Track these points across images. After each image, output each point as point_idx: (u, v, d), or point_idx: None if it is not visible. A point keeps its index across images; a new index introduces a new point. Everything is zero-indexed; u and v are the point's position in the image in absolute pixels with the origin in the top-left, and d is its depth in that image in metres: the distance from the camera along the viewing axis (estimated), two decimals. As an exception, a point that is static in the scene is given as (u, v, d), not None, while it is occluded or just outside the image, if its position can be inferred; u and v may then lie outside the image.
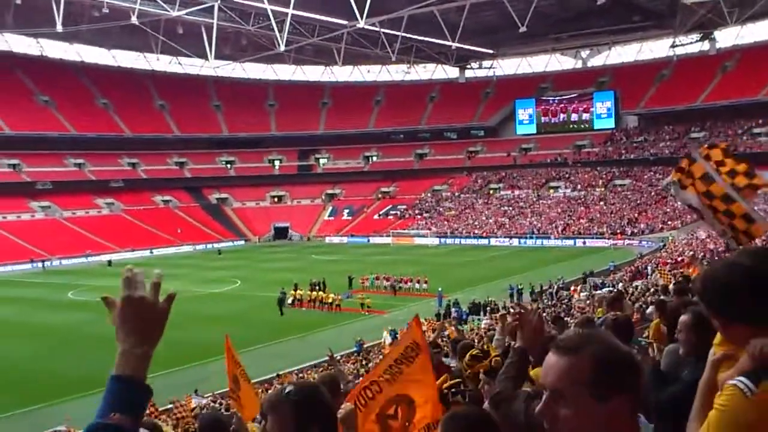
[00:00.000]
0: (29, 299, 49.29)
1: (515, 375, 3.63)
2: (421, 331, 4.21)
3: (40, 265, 70.18)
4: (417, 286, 47.11)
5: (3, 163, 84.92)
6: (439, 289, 42.64)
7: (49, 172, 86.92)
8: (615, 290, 28.37)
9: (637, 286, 30.54)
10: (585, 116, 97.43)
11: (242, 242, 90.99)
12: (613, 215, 77.59)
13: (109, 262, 70.38)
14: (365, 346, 31.14)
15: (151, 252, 79.24)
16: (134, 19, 73.78)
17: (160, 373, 28.26)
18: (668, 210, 73.85)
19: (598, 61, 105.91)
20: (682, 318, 4.00)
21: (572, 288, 41.90)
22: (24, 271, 67.80)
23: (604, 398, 1.63)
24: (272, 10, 72.51)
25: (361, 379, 6.90)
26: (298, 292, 44.04)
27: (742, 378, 1.90)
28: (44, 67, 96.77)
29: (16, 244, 74.01)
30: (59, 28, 70.57)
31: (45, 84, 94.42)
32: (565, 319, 18.21)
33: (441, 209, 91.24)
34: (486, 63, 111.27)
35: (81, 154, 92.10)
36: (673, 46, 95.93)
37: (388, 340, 30.03)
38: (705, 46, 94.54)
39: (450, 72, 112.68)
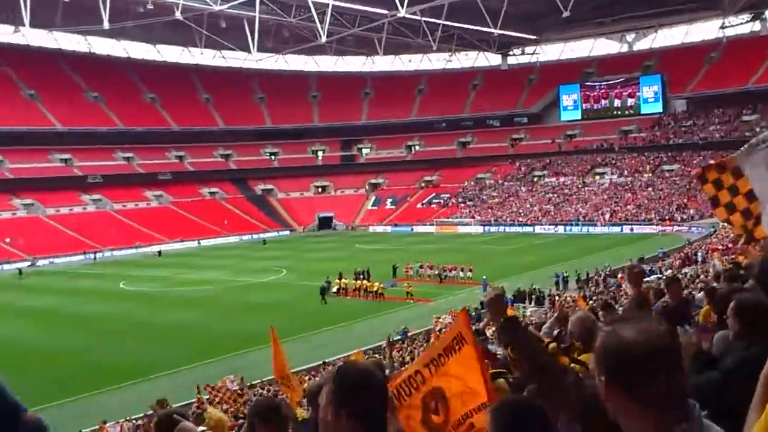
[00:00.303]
0: (83, 290, 50.56)
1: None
2: (467, 323, 4.16)
3: (92, 256, 71.85)
4: (462, 274, 47.09)
5: (55, 158, 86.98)
6: (484, 277, 42.57)
7: (100, 165, 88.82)
8: (665, 277, 28.07)
9: (686, 273, 30.15)
10: (631, 101, 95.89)
11: (287, 232, 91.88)
12: (661, 201, 76.47)
13: (159, 253, 71.85)
14: (410, 334, 31.31)
15: (199, 243, 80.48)
16: (178, 15, 74.76)
17: (209, 361, 28.98)
18: (717, 195, 72.27)
19: (644, 44, 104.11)
20: (731, 305, 4.05)
21: (620, 275, 41.38)
22: (77, 262, 69.56)
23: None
24: (313, 2, 72.81)
25: (404, 367, 6.92)
26: (343, 281, 44.38)
27: None
28: (92, 64, 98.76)
29: (69, 237, 75.87)
30: (106, 25, 71.79)
31: (94, 80, 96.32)
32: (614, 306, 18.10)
33: (485, 197, 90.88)
34: (528, 49, 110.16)
35: (129, 147, 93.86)
36: (722, 27, 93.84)
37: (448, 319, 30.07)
38: (756, 26, 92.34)
39: (492, 59, 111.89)
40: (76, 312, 41.52)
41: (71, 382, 26.89)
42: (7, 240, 71.41)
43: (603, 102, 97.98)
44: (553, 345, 4.72)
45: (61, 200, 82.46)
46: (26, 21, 68.64)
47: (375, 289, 42.31)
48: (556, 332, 7.09)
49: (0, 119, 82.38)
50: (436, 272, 47.65)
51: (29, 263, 67.25)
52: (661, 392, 1.77)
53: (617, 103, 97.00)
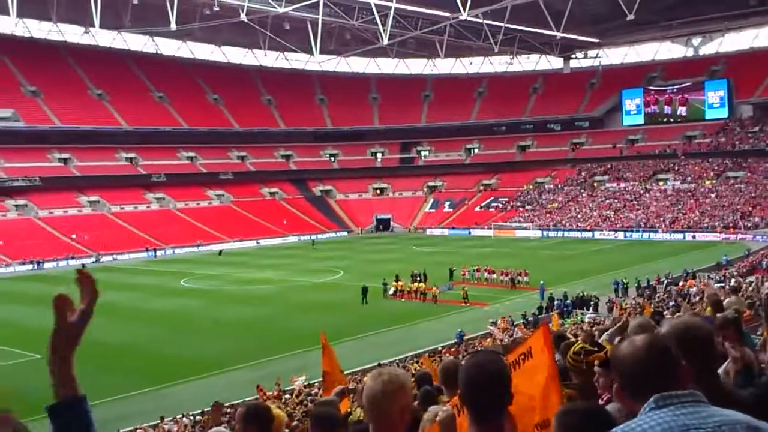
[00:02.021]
0: (145, 286, 51.90)
1: None
2: (545, 339, 3.94)
3: (153, 253, 73.61)
4: (519, 278, 46.87)
5: (121, 157, 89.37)
6: (541, 282, 42.30)
7: (163, 165, 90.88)
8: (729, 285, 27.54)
9: (751, 282, 29.52)
10: (696, 106, 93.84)
11: (345, 233, 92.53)
12: (725, 208, 74.70)
13: (220, 252, 73.14)
14: (466, 337, 31.36)
15: (258, 242, 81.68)
16: (243, 16, 76.14)
17: (270, 359, 29.49)
18: (785, 203, 70.60)
19: (710, 48, 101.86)
20: None
21: (681, 283, 40.67)
22: (140, 259, 71.28)
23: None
24: (376, 5, 73.36)
25: None
26: (399, 283, 44.59)
27: None
28: (159, 64, 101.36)
29: (133, 234, 77.89)
30: (173, 26, 73.51)
31: (160, 80, 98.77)
32: (665, 314, 17.89)
33: (543, 202, 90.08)
34: (591, 52, 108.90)
35: (193, 147, 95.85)
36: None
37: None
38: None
39: (554, 62, 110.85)
40: (138, 307, 42.74)
41: (133, 377, 27.67)
42: (73, 236, 73.67)
43: (667, 107, 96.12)
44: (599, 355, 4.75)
45: (125, 198, 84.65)
46: (96, 22, 70.70)
47: (431, 291, 42.41)
48: (617, 340, 7.18)
49: (69, 118, 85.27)
50: (509, 277, 47.16)
51: (93, 259, 69.24)
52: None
53: (681, 108, 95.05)
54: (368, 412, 2.87)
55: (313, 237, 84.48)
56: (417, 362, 26.73)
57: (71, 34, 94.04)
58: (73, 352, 2.07)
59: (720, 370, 4.39)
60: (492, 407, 2.65)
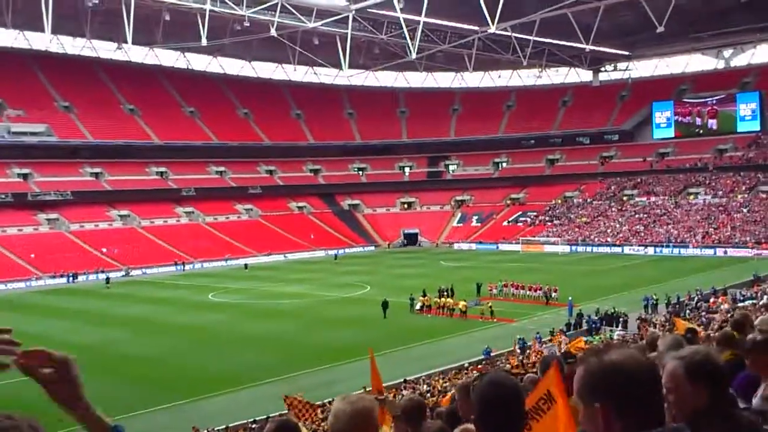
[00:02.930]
0: (173, 300, 52.34)
1: None
2: (559, 378, 3.81)
3: (181, 267, 74.17)
4: (542, 294, 46.45)
5: (152, 171, 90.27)
6: (570, 298, 41.90)
7: (193, 179, 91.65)
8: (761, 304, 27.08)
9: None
10: (727, 119, 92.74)
11: (372, 248, 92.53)
12: (756, 223, 73.57)
13: (246, 266, 73.48)
14: (493, 354, 31.15)
15: (285, 257, 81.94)
16: (273, 32, 76.85)
17: (297, 373, 29.47)
18: (820, 218, 69.41)
19: (741, 60, 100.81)
20: None
21: (711, 300, 40.09)
22: (168, 273, 71.87)
23: (588, 405, 1.94)
24: (405, 19, 73.53)
25: None
26: (426, 298, 44.44)
27: None
28: (190, 79, 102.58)
29: (162, 248, 78.54)
30: (204, 42, 74.35)
31: (190, 95, 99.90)
32: (699, 330, 17.60)
33: (572, 216, 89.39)
34: (621, 65, 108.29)
35: (222, 162, 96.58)
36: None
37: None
38: None
39: (583, 75, 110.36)
40: (165, 321, 43.05)
41: (160, 391, 27.82)
42: (104, 250, 74.49)
43: (698, 120, 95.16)
44: None
45: (155, 212, 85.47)
46: (129, 38, 71.70)
47: (459, 307, 42.18)
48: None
49: (101, 132, 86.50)
50: (542, 293, 46.59)
51: (123, 273, 69.93)
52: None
53: (712, 121, 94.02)
54: None
55: (335, 252, 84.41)
56: (444, 378, 26.63)
57: (104, 50, 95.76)
58: (79, 396, 1.99)
59: (758, 394, 4.24)
60: (507, 427, 2.62)
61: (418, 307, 43.76)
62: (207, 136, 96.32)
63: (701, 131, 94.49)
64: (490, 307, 41.76)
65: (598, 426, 1.91)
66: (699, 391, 2.39)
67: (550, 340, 32.86)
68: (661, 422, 1.96)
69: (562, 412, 3.68)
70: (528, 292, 47.61)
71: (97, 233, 78.35)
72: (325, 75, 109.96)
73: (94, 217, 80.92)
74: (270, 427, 4.06)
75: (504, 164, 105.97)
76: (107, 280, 63.51)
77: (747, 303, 32.87)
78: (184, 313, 46.07)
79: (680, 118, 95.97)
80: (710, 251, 70.57)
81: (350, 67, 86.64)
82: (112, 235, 78.67)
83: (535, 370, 15.06)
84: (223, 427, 22.56)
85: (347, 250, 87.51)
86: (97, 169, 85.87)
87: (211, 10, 70.53)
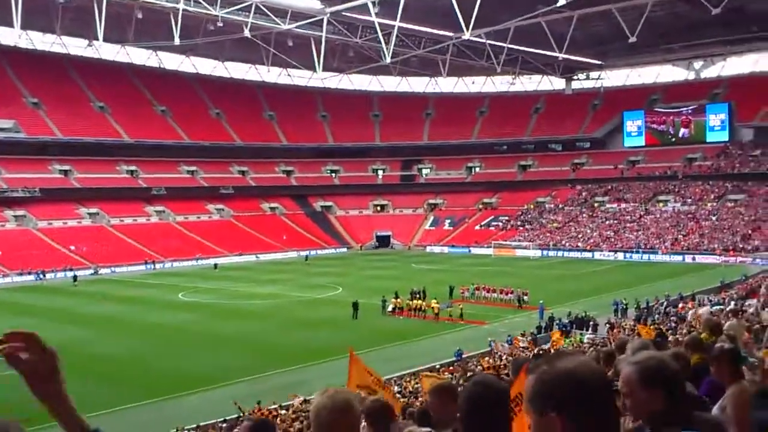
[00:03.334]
0: (143, 299, 51.78)
1: None
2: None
3: (152, 266, 73.47)
4: (514, 297, 46.68)
5: (122, 169, 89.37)
6: (541, 301, 42.18)
7: (164, 178, 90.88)
8: (724, 309, 27.47)
9: (750, 305, 29.41)
10: (697, 129, 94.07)
11: (345, 249, 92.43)
12: (724, 231, 74.67)
13: (215, 266, 73.04)
14: (464, 356, 31.21)
15: (257, 257, 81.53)
16: (247, 32, 76.41)
17: (268, 373, 29.29)
18: (785, 227, 70.66)
19: (711, 72, 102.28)
20: None
21: (680, 305, 40.58)
22: (138, 272, 71.11)
23: (540, 414, 1.84)
24: (380, 23, 73.57)
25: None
26: (399, 300, 44.45)
27: None
28: (161, 78, 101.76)
29: (132, 246, 77.80)
30: (177, 41, 73.75)
31: (162, 94, 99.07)
32: (668, 336, 17.81)
33: (544, 221, 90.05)
34: (593, 74, 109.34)
35: (194, 161, 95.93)
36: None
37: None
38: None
39: (556, 83, 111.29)
40: (135, 320, 42.56)
41: (130, 390, 27.47)
42: (72, 248, 73.58)
43: (668, 129, 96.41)
44: None
45: (125, 211, 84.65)
46: (100, 36, 70.95)
47: (431, 309, 42.24)
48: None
49: (70, 129, 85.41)
50: (515, 296, 46.75)
51: (91, 271, 69.14)
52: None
53: (683, 130, 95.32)
54: (314, 429, 2.77)
55: (306, 253, 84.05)
56: (415, 380, 26.62)
57: (74, 47, 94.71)
58: (60, 392, 1.89)
59: (718, 404, 4.26)
60: (493, 428, 2.63)
61: (390, 308, 43.74)
62: (178, 136, 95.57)
63: (674, 139, 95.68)
64: (461, 309, 41.95)
65: None
66: (654, 396, 2.37)
67: (511, 343, 33.01)
68: (616, 430, 1.90)
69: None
70: (500, 296, 47.84)
71: (66, 231, 77.35)
72: (298, 77, 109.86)
73: (62, 214, 79.94)
74: (246, 425, 4.03)
75: (477, 169, 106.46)
76: (74, 278, 62.75)
77: (714, 309, 33.34)
78: (154, 312, 45.59)
79: (655, 126, 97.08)
80: (679, 258, 71.47)
81: (324, 69, 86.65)
82: (80, 233, 77.71)
83: (507, 371, 15.13)
84: (194, 426, 22.35)
85: (319, 252, 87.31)
86: (66, 167, 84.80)
87: (184, 10, 70.13)
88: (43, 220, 77.68)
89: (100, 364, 31.26)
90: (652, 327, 30.78)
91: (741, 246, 70.15)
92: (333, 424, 2.62)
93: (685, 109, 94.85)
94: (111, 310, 46.72)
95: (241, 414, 21.66)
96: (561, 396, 1.80)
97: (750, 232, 72.88)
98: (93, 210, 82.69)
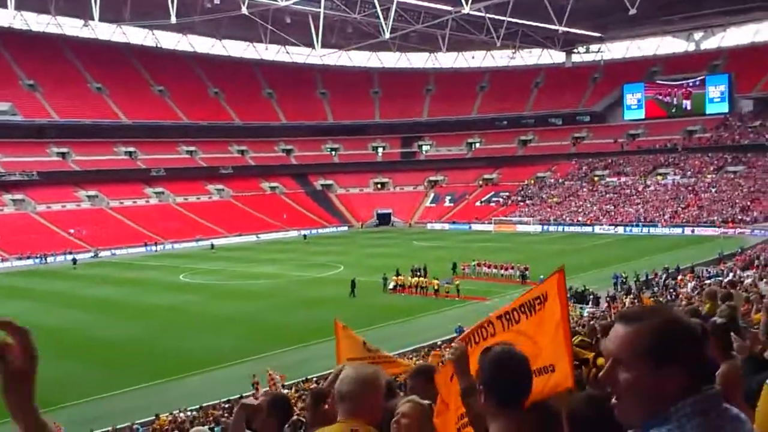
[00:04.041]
0: (144, 281, 51.74)
1: None
2: (560, 286, 4.00)
3: (153, 248, 73.42)
4: (517, 273, 46.65)
5: (120, 151, 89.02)
6: (541, 276, 42.00)
7: (163, 159, 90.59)
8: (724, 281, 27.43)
9: (749, 276, 29.42)
10: (697, 101, 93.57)
11: (345, 228, 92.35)
12: (724, 203, 74.53)
13: (212, 246, 73.05)
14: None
15: (258, 237, 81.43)
16: (244, 10, 75.87)
17: (270, 353, 29.31)
18: (786, 198, 70.60)
19: (711, 43, 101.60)
20: None
21: (679, 278, 40.58)
22: (138, 254, 71.04)
23: (658, 367, 1.73)
24: (378, -2, 72.97)
25: None
26: (400, 277, 44.44)
27: None
28: (159, 58, 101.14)
29: (132, 228, 77.66)
30: (173, 19, 73.22)
31: (159, 74, 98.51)
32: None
33: (544, 196, 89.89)
34: (593, 47, 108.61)
35: (193, 141, 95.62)
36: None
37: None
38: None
39: (556, 57, 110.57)
40: (136, 302, 42.56)
41: (131, 372, 27.46)
42: (71, 231, 73.49)
43: (668, 101, 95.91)
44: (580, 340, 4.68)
45: (124, 193, 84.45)
46: (96, 15, 70.44)
47: (432, 286, 42.25)
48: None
49: (67, 111, 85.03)
50: (518, 272, 46.65)
51: (92, 254, 69.11)
52: None
53: (683, 102, 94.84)
54: (346, 403, 2.91)
55: (305, 232, 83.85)
56: (417, 356, 26.62)
57: (70, 27, 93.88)
58: (32, 399, 1.72)
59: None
60: (514, 395, 2.67)
61: (391, 286, 43.77)
62: (177, 116, 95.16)
63: (671, 113, 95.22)
64: (457, 285, 41.92)
65: (659, 388, 1.75)
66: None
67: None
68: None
69: (555, 313, 3.85)
70: (501, 271, 47.83)
71: (65, 214, 77.25)
72: (297, 54, 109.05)
73: (61, 197, 79.71)
74: (265, 400, 4.07)
75: (477, 145, 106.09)
76: (74, 261, 62.76)
77: (712, 280, 33.35)
78: (154, 294, 45.56)
79: (650, 100, 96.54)
80: (678, 230, 71.42)
81: (323, 46, 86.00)
82: (80, 216, 77.56)
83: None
84: (197, 406, 22.38)
85: (320, 231, 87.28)
86: (63, 149, 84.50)
87: (180, -13, 69.59)
88: (42, 204, 77.51)
89: (101, 347, 31.28)
90: (651, 299, 30.88)
91: (740, 218, 70.04)
92: (358, 395, 2.84)
93: (690, 81, 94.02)
94: (111, 292, 46.71)
95: (255, 390, 21.53)
96: (680, 346, 1.76)
97: (749, 203, 72.75)
98: (92, 192, 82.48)
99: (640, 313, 1.85)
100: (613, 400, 1.82)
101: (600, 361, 4.44)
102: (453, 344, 3.49)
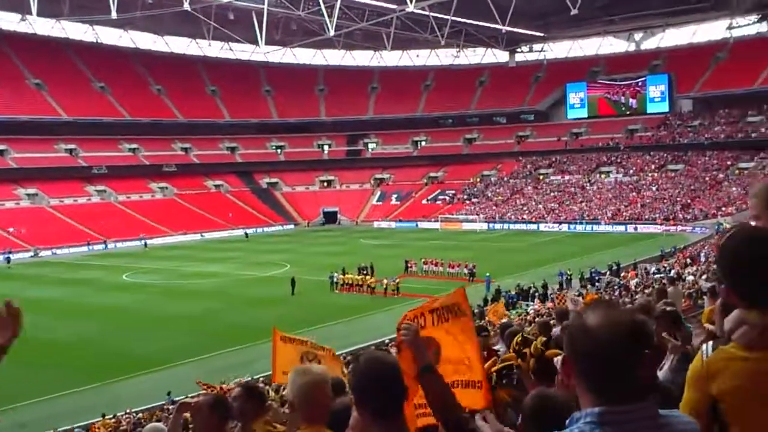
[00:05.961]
0: (86, 281, 50.63)
1: None
2: (465, 299, 4.11)
3: (95, 247, 71.90)
4: (465, 270, 46.99)
5: (60, 148, 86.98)
6: (487, 274, 42.53)
7: (105, 156, 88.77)
8: (666, 276, 28.10)
9: (690, 273, 30.09)
10: (637, 100, 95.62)
11: (291, 226, 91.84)
12: (665, 201, 76.30)
13: (145, 244, 72.07)
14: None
15: (202, 236, 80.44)
16: (186, 6, 74.80)
17: (215, 353, 28.95)
18: (722, 196, 72.52)
19: (651, 43, 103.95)
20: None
21: (623, 274, 41.39)
22: (80, 253, 69.51)
23: None
24: (322, -5, 72.72)
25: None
26: (347, 276, 44.35)
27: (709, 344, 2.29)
28: (99, 54, 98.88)
29: (73, 227, 75.96)
30: (114, 14, 71.84)
31: (100, 70, 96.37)
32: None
33: (490, 194, 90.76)
34: (536, 46, 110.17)
35: (135, 139, 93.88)
36: (729, 27, 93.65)
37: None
38: (763, 27, 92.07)
39: (499, 56, 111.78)
40: (78, 303, 41.59)
41: (75, 373, 26.89)
42: (10, 230, 71.53)
43: (609, 100, 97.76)
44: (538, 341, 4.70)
45: (65, 191, 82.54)
46: (33, 9, 68.69)
47: (380, 285, 42.22)
48: (560, 328, 7.11)
49: (5, 108, 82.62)
50: (465, 270, 47.01)
51: (31, 253, 67.40)
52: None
53: (624, 102, 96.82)
54: (299, 405, 2.88)
55: (247, 230, 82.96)
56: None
57: (6, 21, 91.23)
58: None
59: (665, 366, 4.28)
60: (388, 406, 2.52)
61: (338, 284, 43.67)
62: (118, 113, 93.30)
63: (625, 109, 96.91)
64: (397, 283, 41.95)
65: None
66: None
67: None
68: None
69: (470, 327, 4.02)
70: (448, 269, 48.09)
71: (3, 213, 75.11)
72: (241, 51, 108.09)
73: (-1, 196, 77.61)
74: (238, 391, 4.13)
75: (423, 143, 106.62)
76: (8, 260, 61.16)
77: (657, 276, 34.12)
78: (97, 294, 44.58)
79: (593, 99, 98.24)
80: (621, 228, 72.80)
81: (267, 43, 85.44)
82: (19, 214, 75.50)
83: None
84: (144, 407, 22.00)
85: (266, 229, 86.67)
86: (2, 147, 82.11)
87: (121, -18, 68.27)
88: (-21, 202, 75.27)
89: (42, 349, 30.41)
90: (597, 295, 31.40)
91: (681, 215, 71.78)
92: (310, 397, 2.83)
93: (634, 81, 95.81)
94: (53, 293, 45.55)
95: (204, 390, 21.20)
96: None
97: (689, 201, 74.60)
98: (31, 191, 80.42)
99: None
100: None
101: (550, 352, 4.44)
102: (404, 326, 3.39)
